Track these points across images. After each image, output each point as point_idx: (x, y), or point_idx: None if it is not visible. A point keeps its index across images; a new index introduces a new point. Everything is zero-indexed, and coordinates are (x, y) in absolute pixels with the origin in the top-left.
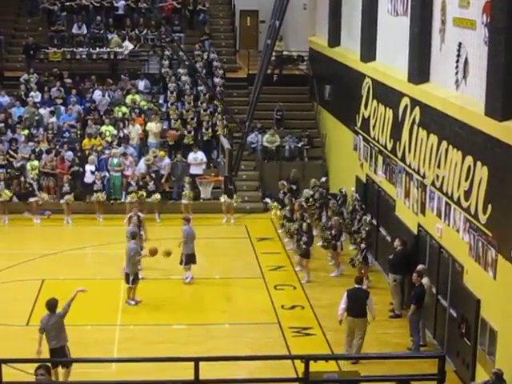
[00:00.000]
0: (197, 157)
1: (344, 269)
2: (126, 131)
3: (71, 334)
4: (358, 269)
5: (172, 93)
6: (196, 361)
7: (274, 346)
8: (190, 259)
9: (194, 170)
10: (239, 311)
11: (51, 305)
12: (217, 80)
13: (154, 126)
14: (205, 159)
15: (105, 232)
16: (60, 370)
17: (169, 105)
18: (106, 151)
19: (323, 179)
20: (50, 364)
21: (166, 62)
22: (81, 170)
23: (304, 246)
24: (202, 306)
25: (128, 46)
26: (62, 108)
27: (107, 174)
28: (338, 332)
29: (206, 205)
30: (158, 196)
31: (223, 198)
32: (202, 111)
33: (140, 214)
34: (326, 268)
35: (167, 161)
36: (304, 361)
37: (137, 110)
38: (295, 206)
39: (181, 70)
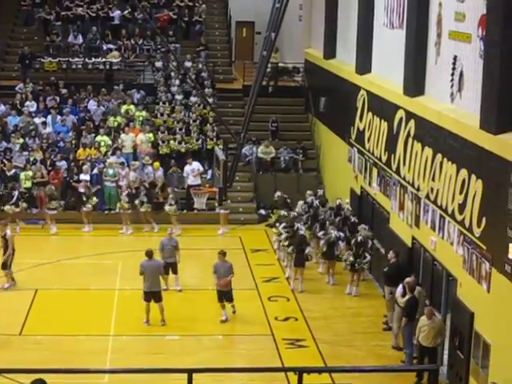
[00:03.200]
0: (193, 168)
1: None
2: (119, 141)
3: (64, 343)
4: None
5: (164, 103)
6: (189, 372)
7: (268, 358)
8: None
9: (191, 181)
10: (233, 322)
11: None
12: (206, 90)
13: (142, 137)
14: (201, 169)
15: (98, 242)
16: None
17: (159, 115)
18: (100, 165)
19: (320, 191)
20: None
21: (159, 73)
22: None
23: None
24: (195, 316)
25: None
26: (58, 117)
27: (98, 186)
28: (331, 344)
29: (199, 216)
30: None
31: (219, 210)
32: (191, 122)
33: (8, 231)
34: (319, 278)
35: (159, 172)
36: (297, 373)
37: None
38: (289, 217)
39: (173, 81)
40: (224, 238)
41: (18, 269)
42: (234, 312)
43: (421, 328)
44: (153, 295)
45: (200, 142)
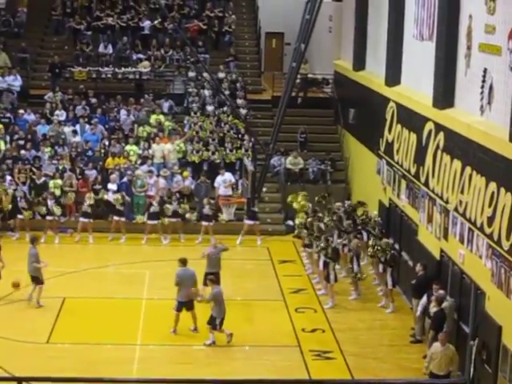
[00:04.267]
0: (225, 179)
1: (361, 292)
2: (150, 151)
3: (91, 352)
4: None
5: (195, 113)
6: (216, 383)
7: (294, 370)
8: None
9: (222, 192)
10: (260, 333)
11: None
12: (240, 101)
13: (170, 147)
14: (233, 180)
15: (126, 251)
16: None
17: (191, 125)
18: (128, 172)
19: (348, 203)
20: None
21: (191, 83)
22: (101, 188)
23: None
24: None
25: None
26: (87, 126)
27: (127, 197)
28: (358, 356)
29: (228, 226)
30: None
31: (247, 221)
32: (225, 132)
33: None
34: (346, 291)
35: (187, 182)
36: None
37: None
38: (314, 228)
39: (205, 91)
40: (252, 249)
41: (46, 277)
42: (208, 344)
43: (433, 355)
44: (185, 304)
45: (233, 152)
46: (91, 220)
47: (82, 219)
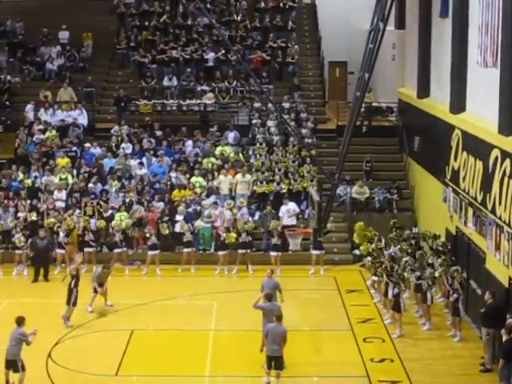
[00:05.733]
0: (289, 208)
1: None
2: (215, 182)
3: None
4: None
5: (261, 144)
6: None
7: None
8: None
9: (287, 221)
10: (328, 364)
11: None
12: (304, 131)
13: (240, 178)
14: (297, 210)
15: (193, 283)
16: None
17: (257, 156)
18: (193, 206)
19: (414, 230)
20: None
21: (256, 114)
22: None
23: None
24: (290, 358)
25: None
26: (153, 159)
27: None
28: None
29: (294, 256)
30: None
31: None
32: (290, 162)
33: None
34: (413, 320)
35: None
36: None
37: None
38: (385, 258)
39: (270, 122)
40: (319, 279)
41: (113, 309)
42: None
43: None
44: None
45: (298, 182)
46: (158, 252)
47: (150, 252)
